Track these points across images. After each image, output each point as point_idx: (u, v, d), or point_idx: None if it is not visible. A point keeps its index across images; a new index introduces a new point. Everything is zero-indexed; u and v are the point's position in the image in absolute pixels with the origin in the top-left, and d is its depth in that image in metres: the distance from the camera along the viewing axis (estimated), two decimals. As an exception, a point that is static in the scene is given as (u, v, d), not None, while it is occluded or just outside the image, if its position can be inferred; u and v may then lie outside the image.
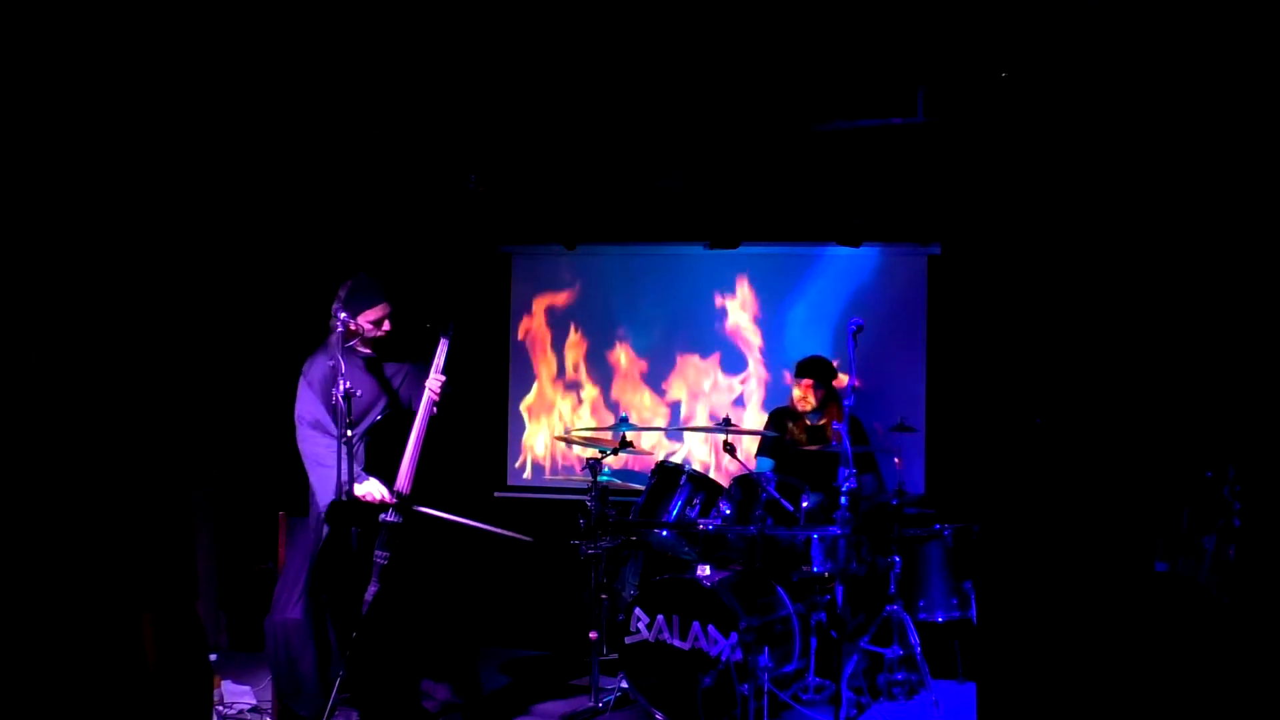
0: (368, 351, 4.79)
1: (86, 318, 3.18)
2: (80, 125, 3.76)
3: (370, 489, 4.52)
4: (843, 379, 6.00)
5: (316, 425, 4.62)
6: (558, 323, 7.17)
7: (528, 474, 7.17)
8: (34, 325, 3.04)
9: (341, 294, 4.69)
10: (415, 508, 4.53)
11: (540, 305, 7.20)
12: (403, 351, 4.87)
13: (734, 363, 6.90)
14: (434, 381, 4.70)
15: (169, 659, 3.13)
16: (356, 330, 4.70)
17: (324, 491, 4.54)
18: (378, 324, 4.71)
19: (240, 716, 4.97)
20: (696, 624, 4.83)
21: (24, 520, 2.94)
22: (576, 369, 7.12)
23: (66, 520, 3.00)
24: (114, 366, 3.18)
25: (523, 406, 7.19)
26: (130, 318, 3.34)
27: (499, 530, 4.60)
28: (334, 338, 4.54)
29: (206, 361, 6.02)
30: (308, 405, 4.65)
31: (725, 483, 5.47)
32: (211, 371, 6.09)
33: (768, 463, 6.00)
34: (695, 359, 6.95)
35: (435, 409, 4.70)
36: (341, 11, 5.13)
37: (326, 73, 5.67)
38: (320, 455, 4.57)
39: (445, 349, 4.77)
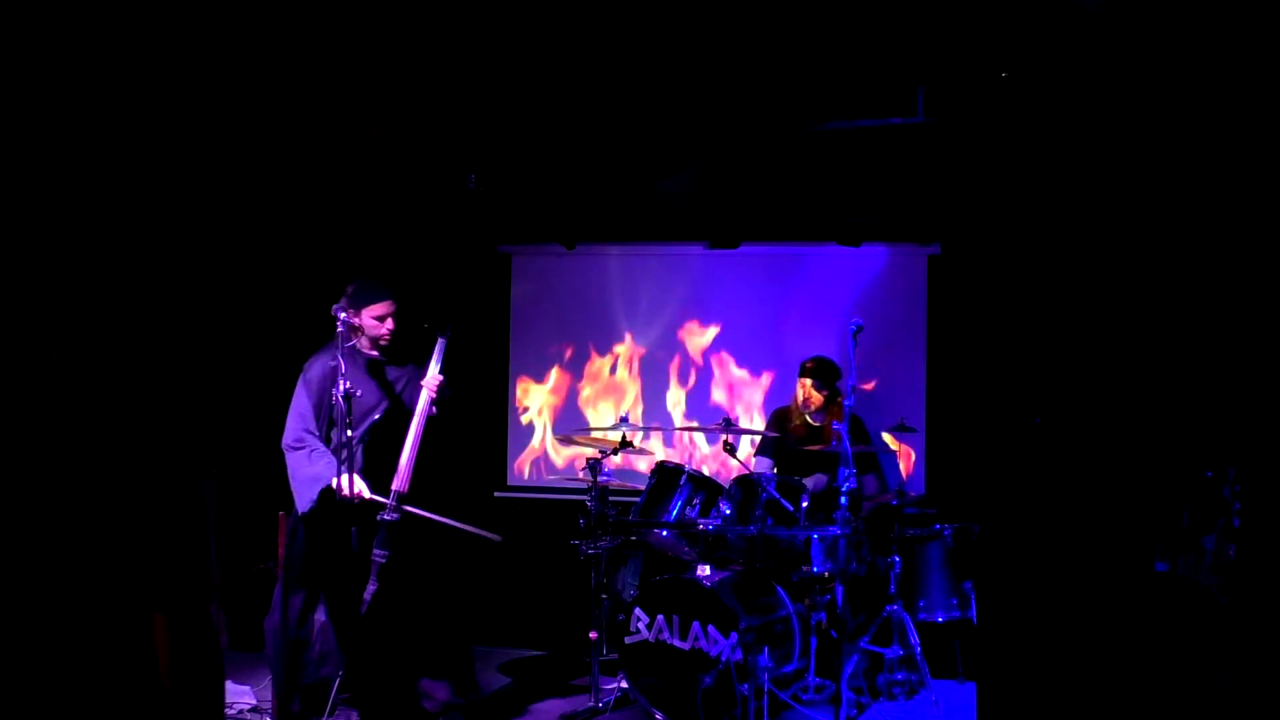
0: (373, 353, 4.79)
1: (99, 317, 3.18)
2: (83, 126, 3.77)
3: (345, 482, 4.49)
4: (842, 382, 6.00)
5: (300, 434, 4.63)
6: (558, 323, 7.16)
7: (528, 474, 7.17)
8: (47, 325, 3.04)
9: (349, 290, 4.70)
10: (386, 502, 4.53)
11: (540, 305, 7.19)
12: (403, 353, 4.87)
13: (733, 363, 6.90)
14: (431, 381, 4.71)
15: (181, 660, 3.13)
16: (359, 327, 4.70)
17: (302, 504, 4.58)
18: (381, 320, 4.71)
19: (240, 716, 4.96)
20: (696, 624, 4.83)
21: (36, 520, 2.94)
22: (576, 369, 7.12)
23: (79, 520, 2.99)
24: (126, 365, 3.18)
25: (522, 406, 7.19)
26: (141, 317, 3.34)
27: (470, 528, 4.60)
28: (337, 336, 4.55)
29: (207, 361, 6.02)
30: (295, 413, 4.66)
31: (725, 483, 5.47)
32: (211, 371, 6.09)
33: (767, 463, 6.00)
34: (695, 359, 6.94)
35: (434, 409, 4.71)
36: (341, 11, 5.13)
37: (326, 72, 5.67)
38: (302, 472, 4.59)
39: (442, 349, 4.78)
